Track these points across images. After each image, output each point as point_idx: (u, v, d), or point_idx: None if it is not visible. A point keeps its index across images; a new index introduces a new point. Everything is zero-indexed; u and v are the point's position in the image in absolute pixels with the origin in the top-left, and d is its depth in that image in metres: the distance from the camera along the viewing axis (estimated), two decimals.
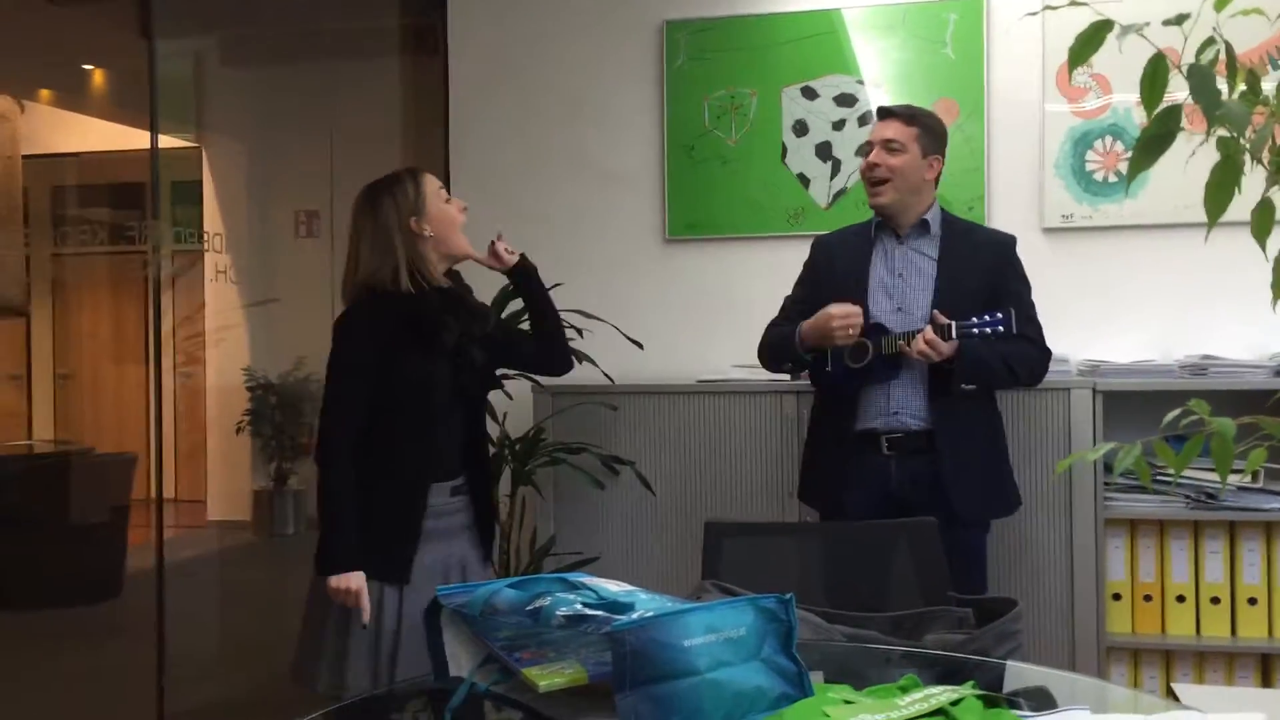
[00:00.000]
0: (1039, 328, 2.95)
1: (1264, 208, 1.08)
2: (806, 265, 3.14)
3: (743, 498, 3.54)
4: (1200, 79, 0.99)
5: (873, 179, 2.89)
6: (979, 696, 1.48)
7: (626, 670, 1.42)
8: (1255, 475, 3.27)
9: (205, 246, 8.81)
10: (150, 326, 3.78)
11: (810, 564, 2.38)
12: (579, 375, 3.58)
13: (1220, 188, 1.05)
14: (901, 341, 2.79)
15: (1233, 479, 3.26)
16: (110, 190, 9.01)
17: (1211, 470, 3.28)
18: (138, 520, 6.61)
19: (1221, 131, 1.12)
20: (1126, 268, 3.62)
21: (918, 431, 2.84)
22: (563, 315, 3.51)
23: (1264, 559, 3.29)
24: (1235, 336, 3.47)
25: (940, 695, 1.48)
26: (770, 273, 3.70)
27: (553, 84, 4.09)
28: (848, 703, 1.51)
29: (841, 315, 2.82)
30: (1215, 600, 3.32)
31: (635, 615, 1.47)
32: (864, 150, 2.98)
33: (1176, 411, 1.15)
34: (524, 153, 4.10)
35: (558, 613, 1.50)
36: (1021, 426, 3.34)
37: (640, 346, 3.61)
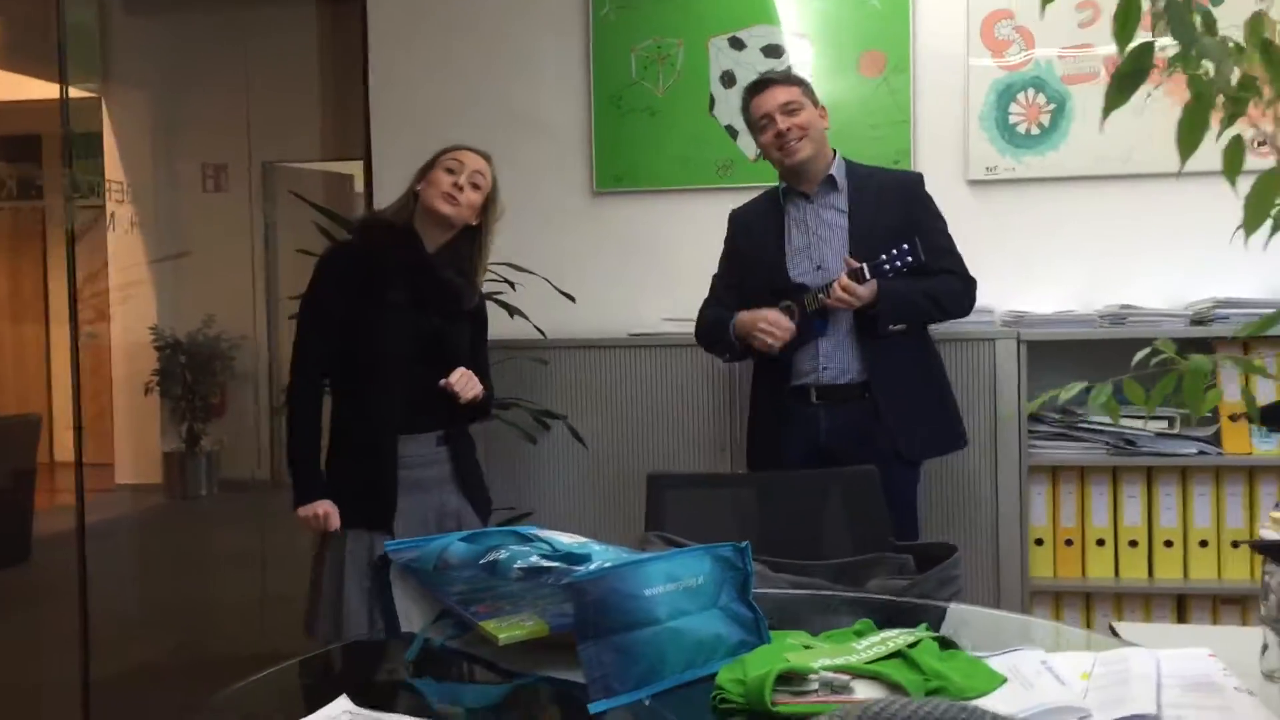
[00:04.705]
0: (959, 258, 3.00)
1: (1235, 145, 1.08)
2: (726, 240, 3.17)
3: (674, 451, 3.54)
4: (1177, 14, 0.99)
5: (790, 140, 2.90)
6: (934, 638, 1.50)
7: (589, 620, 1.41)
8: (1172, 422, 3.37)
9: (107, 201, 8.55)
10: (63, 282, 3.66)
11: (752, 514, 2.39)
12: (509, 329, 3.56)
13: (1192, 127, 1.05)
14: (821, 295, 2.81)
15: (1152, 425, 3.36)
16: (4, 143, 8.68)
17: (1133, 416, 3.37)
18: (42, 484, 6.43)
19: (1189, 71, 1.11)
20: (1048, 219, 3.67)
21: (847, 384, 2.87)
22: (493, 268, 3.48)
23: (1180, 503, 3.40)
24: (1152, 287, 3.55)
25: (896, 638, 1.49)
26: (700, 225, 3.69)
27: (476, 33, 4.01)
28: (806, 648, 1.52)
29: (770, 322, 2.85)
30: (1133, 543, 3.42)
31: (594, 566, 1.46)
32: (758, 126, 2.97)
33: (1146, 350, 1.17)
34: (447, 103, 4.02)
35: (516, 565, 1.49)
36: (948, 376, 3.38)
37: (573, 300, 3.57)
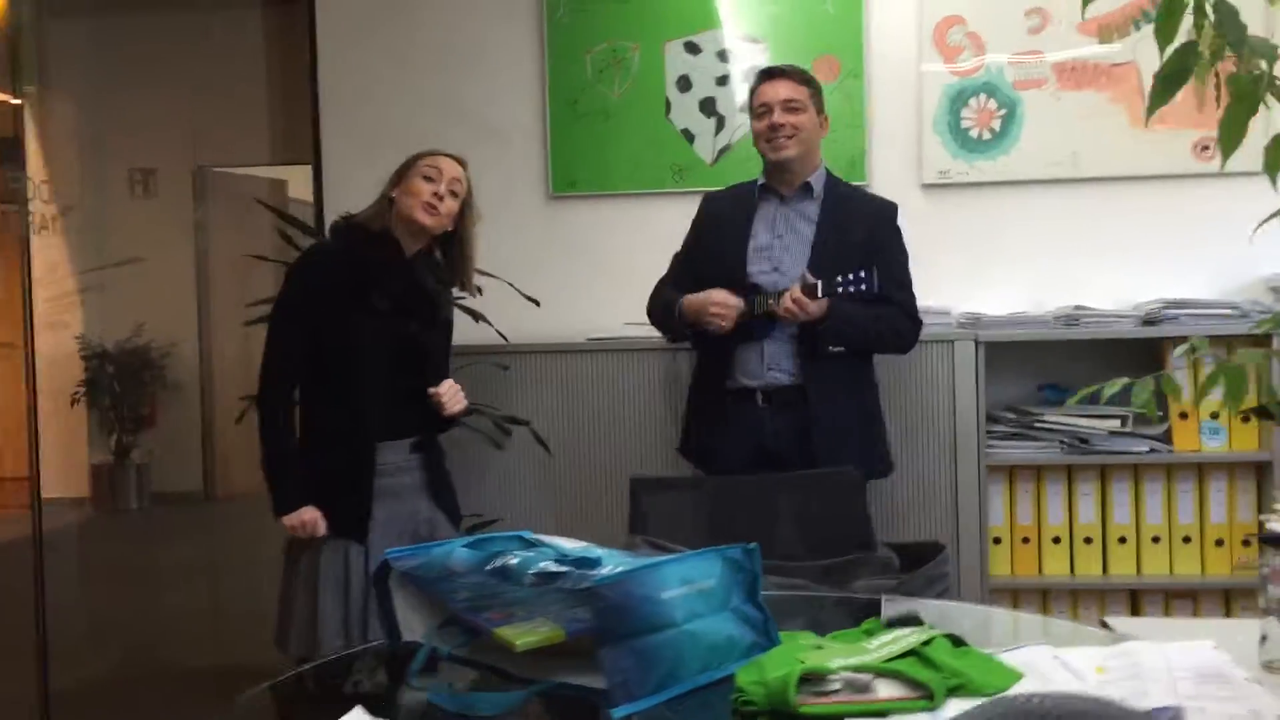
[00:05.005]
0: (913, 297, 3.02)
1: (1276, 144, 1.09)
2: (694, 221, 3.18)
3: (636, 454, 3.53)
4: (1226, 13, 1.00)
5: (779, 136, 2.92)
6: (945, 636, 1.50)
7: (608, 625, 1.39)
8: (1124, 420, 3.43)
9: (31, 207, 8.31)
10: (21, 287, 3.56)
11: (734, 517, 2.39)
12: (469, 334, 3.52)
13: (1233, 125, 1.06)
14: (771, 301, 2.83)
15: (1105, 424, 3.42)
16: None
17: (1087, 416, 3.44)
18: None
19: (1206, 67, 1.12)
20: (1000, 222, 3.72)
21: (789, 386, 2.89)
22: None
23: (1132, 500, 3.47)
24: (1103, 288, 3.62)
25: (908, 637, 1.50)
26: (656, 230, 3.69)
27: (427, 35, 3.96)
28: (817, 648, 1.52)
29: (720, 306, 2.86)
30: (1088, 540, 3.48)
31: (609, 570, 1.45)
32: (755, 111, 3.00)
33: (1185, 347, 1.18)
34: (399, 106, 3.97)
35: (530, 570, 1.47)
36: (907, 378, 3.42)
37: (537, 304, 3.55)
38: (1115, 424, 3.42)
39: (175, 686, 3.60)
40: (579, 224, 3.92)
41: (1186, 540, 3.44)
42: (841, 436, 2.88)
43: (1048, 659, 1.46)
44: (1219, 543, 3.43)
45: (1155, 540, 3.46)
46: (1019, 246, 3.71)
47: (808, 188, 3.00)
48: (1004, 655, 1.48)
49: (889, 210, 3.08)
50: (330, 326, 2.57)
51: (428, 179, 2.65)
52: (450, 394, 2.63)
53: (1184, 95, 1.07)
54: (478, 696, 1.42)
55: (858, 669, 1.40)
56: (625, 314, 3.65)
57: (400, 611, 1.63)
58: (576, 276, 3.89)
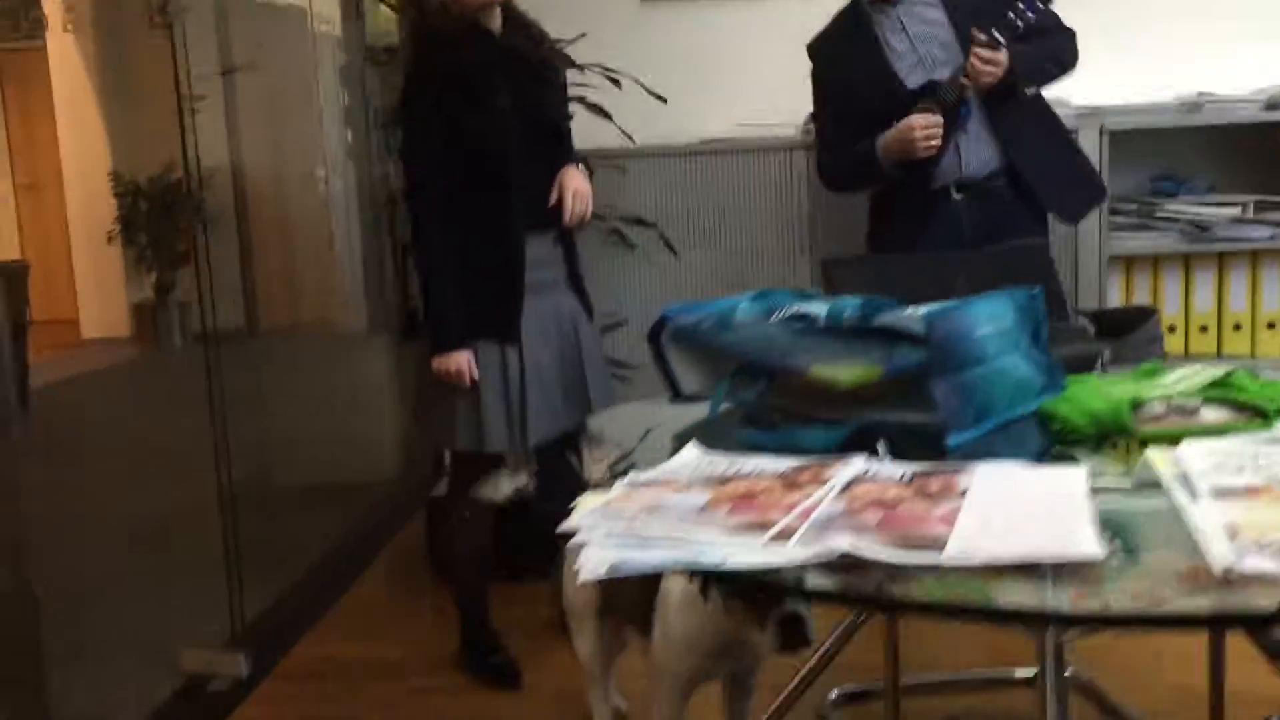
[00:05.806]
0: (1054, 13, 2.84)
1: None
2: (813, 77, 2.96)
3: (754, 256, 3.52)
4: None
5: None
6: (1244, 371, 1.51)
7: (935, 360, 1.40)
8: (1245, 208, 3.42)
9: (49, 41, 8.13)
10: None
11: (925, 293, 2.37)
12: (584, 137, 3.45)
13: None
14: (961, 77, 2.73)
15: (1227, 211, 3.41)
16: None
17: (1208, 204, 3.43)
18: None
19: None
20: (1115, 5, 3.64)
21: (988, 175, 2.79)
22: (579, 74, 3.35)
23: (1249, 287, 3.48)
24: (1221, 74, 3.56)
25: (1203, 373, 1.51)
26: (753, 32, 3.64)
27: None
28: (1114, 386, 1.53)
29: (924, 126, 2.69)
30: (1204, 329, 3.51)
31: (922, 309, 1.46)
32: None
33: None
34: None
35: (846, 313, 1.47)
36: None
37: (664, 100, 3.46)
38: (1237, 210, 3.41)
39: (306, 498, 3.70)
40: (674, 27, 3.81)
41: None
42: (1062, 188, 2.82)
43: None
44: None
45: (1271, 326, 3.49)
46: (1135, 31, 3.63)
47: None
48: None
49: None
50: (462, 140, 2.47)
51: None
52: (571, 203, 2.55)
53: None
54: (798, 432, 1.43)
55: (1178, 396, 1.42)
56: (734, 115, 3.60)
57: (678, 366, 1.64)
58: (675, 81, 3.77)
